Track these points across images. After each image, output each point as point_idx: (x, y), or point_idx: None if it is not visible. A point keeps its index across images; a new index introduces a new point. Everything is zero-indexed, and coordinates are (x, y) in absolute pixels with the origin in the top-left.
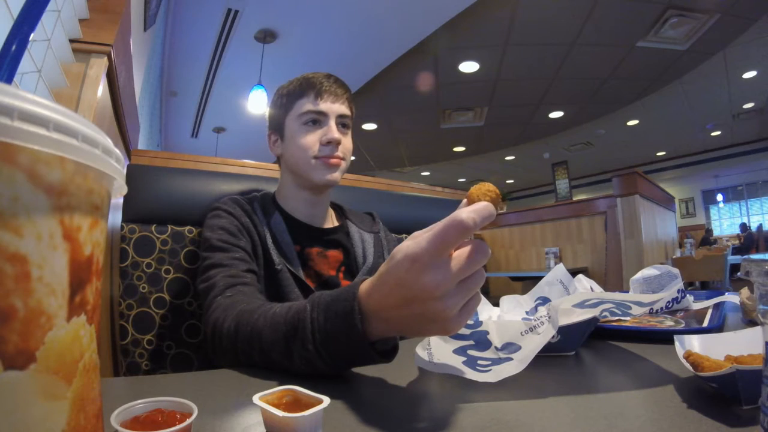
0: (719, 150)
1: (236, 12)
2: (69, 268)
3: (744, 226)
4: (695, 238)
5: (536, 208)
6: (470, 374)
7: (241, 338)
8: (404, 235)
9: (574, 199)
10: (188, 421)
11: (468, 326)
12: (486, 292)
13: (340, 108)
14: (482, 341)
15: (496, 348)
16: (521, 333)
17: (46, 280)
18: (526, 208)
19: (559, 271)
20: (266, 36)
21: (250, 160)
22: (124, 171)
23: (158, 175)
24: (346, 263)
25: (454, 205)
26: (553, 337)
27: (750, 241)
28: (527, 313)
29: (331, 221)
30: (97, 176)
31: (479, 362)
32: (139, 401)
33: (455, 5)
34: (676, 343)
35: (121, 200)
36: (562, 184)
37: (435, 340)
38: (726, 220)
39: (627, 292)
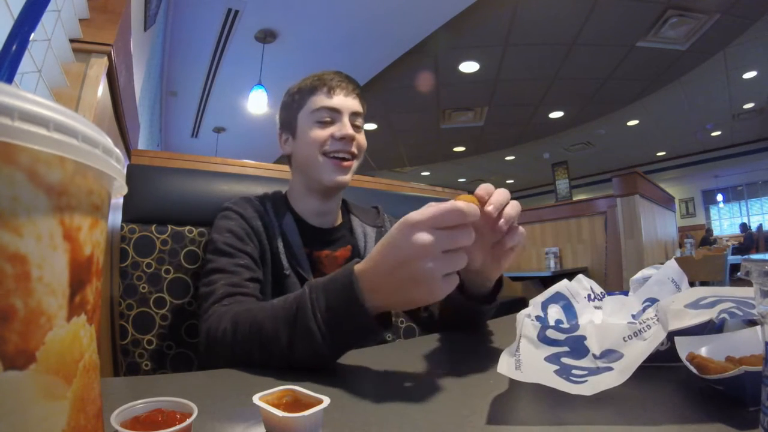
0: (719, 150)
1: (236, 12)
2: (69, 268)
3: (744, 226)
4: (695, 238)
5: (536, 208)
6: (562, 386)
7: (240, 337)
8: None
9: (574, 199)
10: (188, 421)
11: (563, 330)
12: None
13: (353, 103)
14: (578, 348)
15: (594, 356)
16: (624, 339)
17: (46, 280)
18: (526, 208)
19: (671, 268)
20: (266, 36)
21: (250, 160)
22: (124, 171)
23: (158, 175)
24: (353, 259)
25: None
26: (661, 343)
27: (750, 241)
28: (633, 316)
29: (338, 219)
30: (97, 176)
31: (573, 372)
32: (139, 401)
33: (455, 5)
34: (677, 344)
35: (121, 200)
36: (562, 184)
37: (525, 345)
38: (726, 220)
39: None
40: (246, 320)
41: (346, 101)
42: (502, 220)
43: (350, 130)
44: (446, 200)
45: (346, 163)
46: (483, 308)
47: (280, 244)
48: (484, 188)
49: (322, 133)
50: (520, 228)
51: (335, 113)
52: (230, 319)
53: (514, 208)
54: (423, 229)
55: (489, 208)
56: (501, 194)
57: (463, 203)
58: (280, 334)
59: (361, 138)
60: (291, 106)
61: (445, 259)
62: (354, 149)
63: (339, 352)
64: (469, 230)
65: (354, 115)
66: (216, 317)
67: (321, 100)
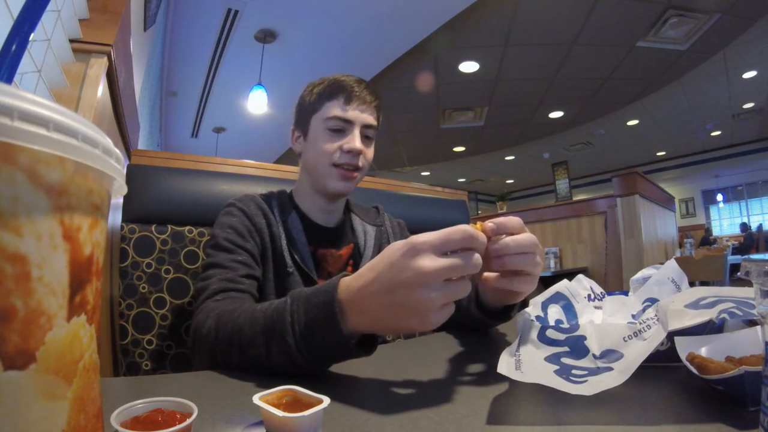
0: (719, 150)
1: (236, 12)
2: (69, 268)
3: (744, 226)
4: (695, 238)
5: (536, 208)
6: (562, 386)
7: (221, 337)
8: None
9: (574, 199)
10: (188, 421)
11: (563, 330)
12: None
13: (367, 118)
14: (578, 348)
15: (594, 356)
16: (624, 339)
17: (46, 280)
18: (526, 208)
19: (671, 268)
20: (266, 36)
21: (250, 160)
22: (124, 171)
23: (158, 175)
24: (354, 257)
25: (454, 204)
26: (661, 343)
27: (750, 241)
28: (633, 316)
29: (341, 217)
30: (97, 176)
31: (574, 372)
32: (139, 401)
33: (455, 5)
34: (677, 344)
35: (121, 200)
36: (562, 184)
37: (525, 345)
38: (726, 220)
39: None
40: (228, 322)
41: (360, 115)
42: (503, 259)
43: (358, 144)
44: (446, 200)
45: (352, 174)
46: (491, 322)
47: (284, 242)
48: (500, 222)
49: (331, 145)
50: (533, 277)
51: (347, 124)
52: (215, 317)
53: (524, 259)
54: (428, 253)
55: (494, 246)
56: (516, 244)
57: (472, 228)
58: (258, 342)
59: (369, 152)
60: (307, 107)
61: (446, 288)
62: (360, 163)
63: (317, 366)
64: (473, 255)
65: (366, 127)
66: (204, 314)
67: (336, 109)
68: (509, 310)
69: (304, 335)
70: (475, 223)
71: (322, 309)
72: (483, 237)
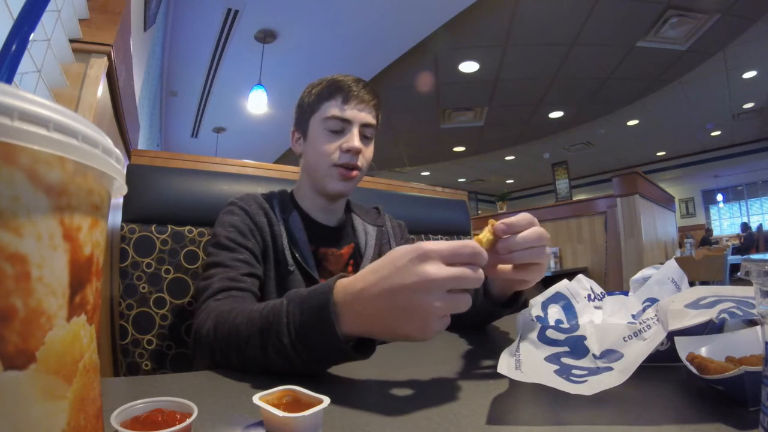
0: (719, 150)
1: (236, 12)
2: (69, 268)
3: (745, 226)
4: (695, 238)
5: (536, 208)
6: (562, 386)
7: (219, 337)
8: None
9: (574, 199)
10: (188, 421)
11: (563, 330)
12: None
13: (366, 117)
14: (578, 348)
15: (594, 356)
16: (624, 339)
17: (46, 280)
18: (526, 208)
19: (671, 268)
20: (266, 36)
21: (250, 160)
22: (124, 171)
23: (158, 175)
24: (355, 257)
25: (454, 204)
26: (661, 343)
27: (750, 241)
28: (633, 316)
29: (342, 217)
30: (97, 176)
31: (574, 371)
32: (139, 401)
33: (455, 5)
34: (677, 344)
35: (121, 200)
36: (562, 184)
37: (525, 345)
38: (726, 220)
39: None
40: (226, 322)
41: (358, 114)
42: (512, 255)
43: (357, 143)
44: (446, 200)
45: (351, 173)
46: (501, 311)
47: (285, 241)
48: (509, 222)
49: (330, 146)
50: (541, 266)
51: (346, 123)
52: (214, 318)
53: (531, 253)
54: (436, 261)
55: (503, 243)
56: (524, 240)
57: (478, 245)
58: (255, 342)
59: (368, 151)
60: (306, 107)
61: (448, 298)
62: (359, 162)
63: (315, 368)
64: (478, 269)
65: (365, 126)
66: (205, 314)
67: (334, 109)
68: (517, 297)
69: (300, 337)
70: (486, 223)
71: (317, 311)
72: (486, 254)
